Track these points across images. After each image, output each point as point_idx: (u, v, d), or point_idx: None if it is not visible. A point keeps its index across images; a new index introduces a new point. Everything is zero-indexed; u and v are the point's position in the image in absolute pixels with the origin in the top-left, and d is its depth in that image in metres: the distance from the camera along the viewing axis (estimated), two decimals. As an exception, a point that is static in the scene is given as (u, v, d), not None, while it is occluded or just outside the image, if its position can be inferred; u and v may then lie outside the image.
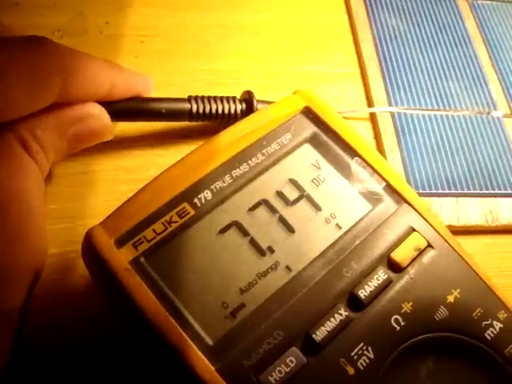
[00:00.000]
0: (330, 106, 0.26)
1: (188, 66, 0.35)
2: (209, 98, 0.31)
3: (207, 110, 0.30)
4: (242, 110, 0.31)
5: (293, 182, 0.25)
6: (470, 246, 0.30)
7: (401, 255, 0.23)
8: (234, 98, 0.31)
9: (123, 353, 0.25)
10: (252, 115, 0.26)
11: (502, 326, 0.23)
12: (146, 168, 0.31)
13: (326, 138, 0.26)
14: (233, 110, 0.31)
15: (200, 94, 0.31)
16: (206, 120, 0.31)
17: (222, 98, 0.31)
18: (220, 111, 0.31)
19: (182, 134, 0.32)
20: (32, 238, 0.23)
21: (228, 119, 0.31)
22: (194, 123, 0.32)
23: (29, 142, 0.24)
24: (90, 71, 0.25)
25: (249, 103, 0.31)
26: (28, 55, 0.23)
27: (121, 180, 0.30)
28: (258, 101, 0.31)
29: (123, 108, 0.28)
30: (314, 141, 0.26)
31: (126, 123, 0.32)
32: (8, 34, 0.25)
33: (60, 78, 0.24)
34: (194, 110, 0.30)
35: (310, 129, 0.26)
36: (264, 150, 0.25)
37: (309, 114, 0.26)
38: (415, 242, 0.23)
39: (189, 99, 0.30)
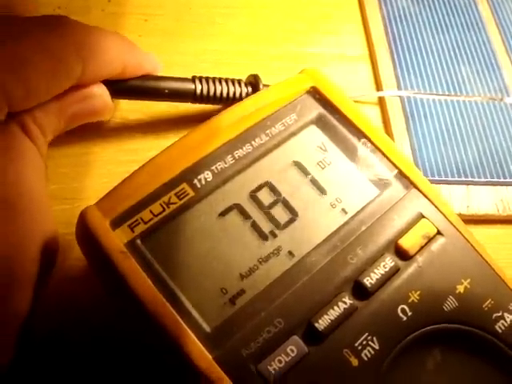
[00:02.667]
0: (338, 86, 0.25)
1: (193, 46, 0.34)
2: (214, 79, 0.30)
3: (212, 91, 0.29)
4: (247, 94, 0.30)
5: (297, 165, 0.24)
6: (479, 236, 0.29)
7: (409, 242, 0.22)
8: (239, 81, 0.30)
9: (119, 338, 0.24)
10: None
11: (513, 318, 0.22)
12: (147, 149, 0.30)
13: (333, 119, 0.25)
14: (238, 94, 0.30)
15: (205, 75, 0.30)
16: (209, 102, 0.30)
17: (227, 80, 0.30)
18: (225, 94, 0.30)
19: (184, 117, 0.31)
20: (39, 221, 0.22)
21: (232, 103, 0.30)
22: (196, 106, 0.31)
23: (29, 126, 0.23)
24: (107, 55, 0.25)
25: (254, 87, 0.30)
26: (49, 42, 0.23)
27: (121, 161, 0.30)
28: (264, 85, 0.30)
29: (125, 87, 0.27)
30: (320, 122, 0.24)
31: (127, 104, 0.31)
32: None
33: (79, 66, 0.24)
34: (199, 91, 0.29)
35: (317, 110, 0.25)
36: (268, 131, 0.24)
37: (315, 94, 0.25)
38: (424, 229, 0.22)
39: (193, 79, 0.29)
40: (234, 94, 0.30)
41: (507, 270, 0.28)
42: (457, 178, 0.30)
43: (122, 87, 0.27)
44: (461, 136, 0.32)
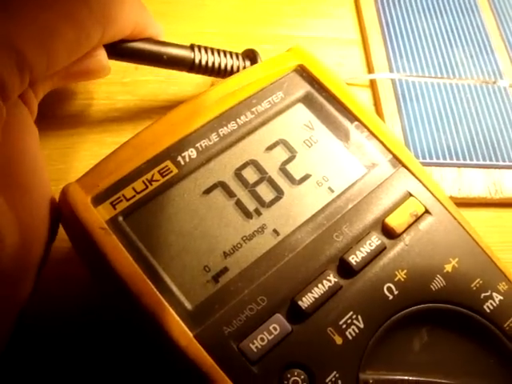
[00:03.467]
0: (325, 64, 0.25)
1: (183, 29, 0.34)
2: (213, 49, 0.29)
3: (210, 62, 0.28)
4: (245, 68, 0.30)
5: (283, 143, 0.23)
6: (471, 219, 0.29)
7: (396, 221, 0.22)
8: (237, 54, 0.30)
9: (105, 319, 0.24)
10: (242, 72, 0.25)
11: (502, 298, 0.21)
12: (133, 131, 0.29)
13: (320, 97, 0.24)
14: (236, 67, 0.29)
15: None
16: (206, 73, 0.29)
17: (225, 52, 0.29)
18: (223, 66, 0.29)
19: (173, 98, 0.31)
20: (43, 196, 0.21)
21: (229, 76, 0.29)
22: (185, 89, 0.30)
23: (25, 91, 0.22)
24: (124, 20, 0.24)
25: (253, 61, 0.30)
26: (74, 10, 0.22)
27: (106, 142, 0.29)
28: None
29: (124, 49, 0.26)
30: (307, 100, 0.24)
31: (115, 85, 0.30)
32: None
33: (99, 34, 0.23)
34: (197, 60, 0.28)
35: (304, 88, 0.24)
36: (254, 109, 0.23)
37: (303, 72, 0.25)
38: (412, 207, 0.22)
39: (192, 47, 0.28)
40: (232, 66, 0.29)
41: (499, 254, 0.28)
42: (448, 161, 0.30)
43: (121, 49, 0.26)
44: (453, 119, 0.31)
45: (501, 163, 0.30)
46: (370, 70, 0.33)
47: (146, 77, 0.31)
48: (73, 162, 0.28)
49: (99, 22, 0.23)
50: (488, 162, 0.30)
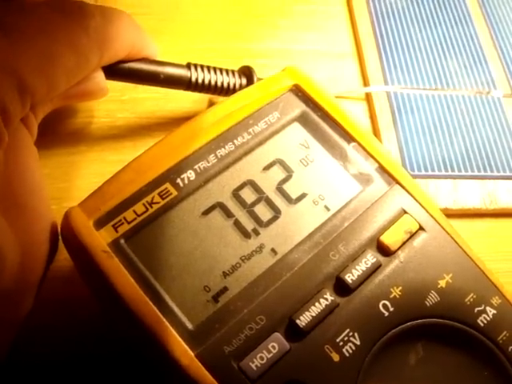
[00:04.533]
0: (320, 84, 0.25)
1: (180, 46, 0.34)
2: (209, 67, 0.29)
3: (206, 80, 0.29)
4: (241, 85, 0.30)
5: (280, 162, 0.24)
6: (467, 230, 0.29)
7: (391, 238, 0.22)
8: (233, 72, 0.30)
9: (107, 337, 0.25)
10: (238, 93, 0.25)
11: (495, 312, 0.22)
12: (134, 148, 0.30)
13: (316, 116, 0.25)
14: (232, 84, 0.30)
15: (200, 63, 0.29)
16: (202, 91, 0.29)
17: (221, 70, 0.30)
18: (219, 84, 0.29)
19: (172, 115, 0.31)
20: (43, 215, 0.22)
21: (226, 94, 0.30)
22: (183, 105, 0.31)
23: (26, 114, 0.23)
24: (121, 42, 0.25)
25: (249, 78, 0.30)
26: (74, 37, 0.22)
27: (107, 161, 0.30)
28: (258, 78, 0.30)
29: (121, 69, 0.27)
30: (303, 119, 0.25)
31: (114, 103, 0.31)
32: None
33: (98, 58, 0.24)
34: (194, 78, 0.29)
35: (299, 107, 0.25)
36: (250, 129, 0.24)
37: (298, 92, 0.25)
38: (406, 224, 0.23)
39: (188, 66, 0.29)
40: (229, 84, 0.30)
41: (494, 264, 0.28)
42: (444, 173, 0.30)
43: (118, 69, 0.27)
44: (447, 130, 0.32)
45: (495, 174, 0.31)
46: (366, 82, 0.34)
47: (145, 94, 0.31)
48: (74, 180, 0.29)
49: (97, 46, 0.23)
50: (483, 173, 0.31)
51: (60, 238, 0.22)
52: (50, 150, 0.30)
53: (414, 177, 0.30)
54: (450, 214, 0.30)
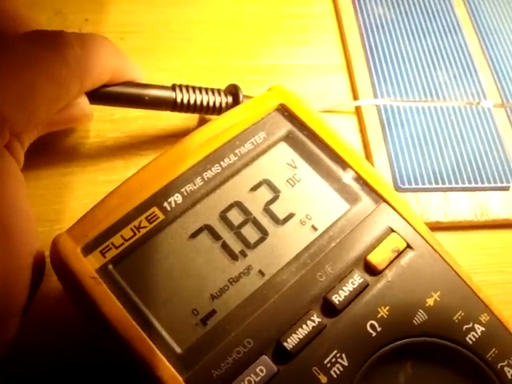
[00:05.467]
0: (306, 102, 0.25)
1: (171, 63, 0.34)
2: (194, 87, 0.30)
3: (192, 100, 0.29)
4: (227, 103, 0.30)
5: (267, 183, 0.24)
6: (458, 242, 0.30)
7: (378, 258, 0.22)
8: (219, 91, 0.30)
9: (95, 359, 0.25)
10: (224, 114, 0.25)
11: (483, 329, 0.22)
12: (125, 168, 0.30)
13: (302, 135, 0.25)
14: (218, 103, 0.30)
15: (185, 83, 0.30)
16: (189, 111, 0.30)
17: (207, 90, 0.30)
18: (205, 103, 0.30)
19: (161, 135, 0.32)
20: (28, 240, 0.22)
21: (212, 112, 0.30)
22: (173, 124, 0.31)
23: (10, 142, 0.23)
24: (102, 68, 0.25)
25: (235, 97, 0.30)
26: (53, 68, 0.23)
27: (99, 181, 0.30)
28: (245, 95, 0.30)
29: (105, 93, 0.27)
30: (289, 139, 0.25)
31: (105, 123, 0.31)
32: (25, 26, 0.25)
33: (78, 87, 0.24)
34: (179, 99, 0.29)
35: (286, 127, 0.25)
36: (237, 150, 0.24)
37: (284, 111, 0.25)
38: (394, 243, 0.23)
39: (173, 87, 0.29)
40: (214, 103, 0.30)
41: (485, 276, 0.29)
42: (434, 186, 0.30)
43: (102, 94, 0.27)
44: (438, 142, 0.32)
45: (486, 185, 0.31)
46: (355, 96, 0.34)
47: (135, 113, 0.31)
48: (67, 202, 0.29)
49: (77, 75, 0.24)
50: (473, 185, 0.31)
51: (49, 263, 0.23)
52: (44, 171, 0.30)
53: (405, 190, 0.30)
54: (442, 227, 0.30)
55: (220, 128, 0.24)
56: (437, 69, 0.35)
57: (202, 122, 0.32)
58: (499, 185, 0.31)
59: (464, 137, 0.32)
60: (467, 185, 0.31)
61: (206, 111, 0.30)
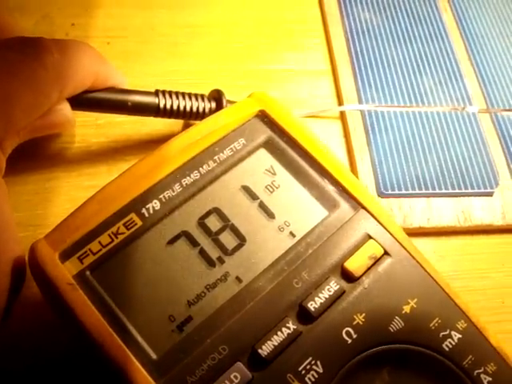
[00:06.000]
0: (286, 108, 0.25)
1: (156, 68, 0.35)
2: (177, 93, 0.30)
3: (175, 106, 0.29)
4: (210, 109, 0.30)
5: (246, 189, 0.24)
6: (441, 248, 0.30)
7: (355, 264, 0.22)
8: (202, 96, 0.31)
9: (73, 366, 0.25)
10: (204, 121, 0.25)
11: (460, 336, 0.22)
12: (109, 173, 0.30)
13: (281, 142, 0.25)
14: (201, 109, 0.30)
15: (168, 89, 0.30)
16: (172, 117, 0.30)
17: (190, 95, 0.30)
18: (188, 108, 0.30)
19: (146, 140, 0.32)
20: (6, 244, 0.22)
21: (196, 118, 0.30)
22: (158, 129, 0.31)
23: None
24: (82, 74, 0.25)
25: (218, 102, 0.30)
26: (32, 75, 0.23)
27: (83, 186, 0.30)
28: (228, 100, 0.31)
29: (87, 99, 0.27)
30: (269, 145, 0.25)
31: (89, 128, 0.31)
32: (9, 32, 0.25)
33: (57, 93, 0.24)
34: (162, 105, 0.29)
35: (265, 133, 0.25)
36: (216, 157, 0.24)
37: (264, 117, 0.25)
38: (371, 249, 0.23)
39: (156, 93, 0.29)
40: (198, 108, 0.30)
41: (468, 281, 0.29)
42: (417, 191, 0.30)
43: (84, 100, 0.27)
44: (422, 147, 0.32)
45: (469, 191, 0.31)
46: (340, 101, 0.34)
47: (120, 118, 0.32)
48: (51, 207, 0.29)
49: (56, 82, 0.24)
50: (457, 190, 0.31)
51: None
52: (28, 176, 0.30)
53: (388, 196, 0.30)
54: (425, 233, 0.30)
55: (199, 134, 0.24)
56: (422, 74, 0.35)
57: (186, 128, 0.32)
58: (483, 190, 0.31)
59: (448, 142, 0.32)
60: (451, 190, 0.31)
61: (189, 117, 0.30)
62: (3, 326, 0.22)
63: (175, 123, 0.32)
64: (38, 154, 0.31)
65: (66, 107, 0.26)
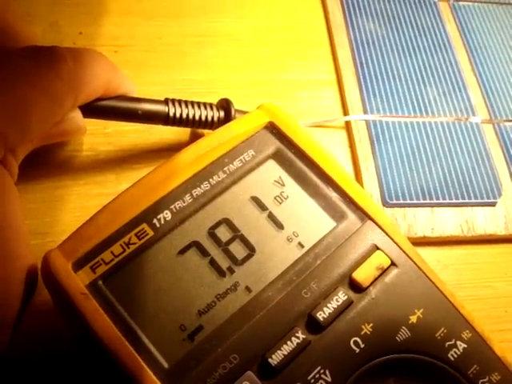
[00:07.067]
0: (295, 120, 0.26)
1: (163, 77, 0.35)
2: (186, 102, 0.30)
3: (184, 114, 0.30)
4: (219, 118, 0.31)
5: (255, 200, 0.24)
6: (445, 257, 0.30)
7: (362, 275, 0.23)
8: (211, 105, 0.31)
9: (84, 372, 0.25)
10: (214, 132, 0.26)
11: (465, 346, 0.22)
12: (118, 182, 0.31)
13: (290, 153, 0.25)
14: (210, 117, 0.30)
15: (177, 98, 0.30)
16: (181, 125, 0.30)
17: (199, 104, 0.30)
18: (197, 117, 0.30)
19: (153, 149, 0.32)
20: (20, 252, 0.22)
21: (204, 126, 0.31)
22: (166, 138, 0.31)
23: (5, 156, 0.23)
24: (96, 82, 0.26)
25: (227, 111, 0.31)
26: (47, 84, 0.23)
27: (91, 195, 0.30)
28: (237, 110, 0.31)
29: (98, 107, 0.28)
30: (277, 157, 0.25)
31: (97, 137, 0.31)
32: (24, 41, 0.25)
33: (72, 101, 0.25)
34: (171, 113, 0.29)
35: (274, 144, 0.25)
36: (226, 168, 0.25)
37: (272, 129, 0.26)
38: (378, 260, 0.23)
39: (166, 101, 0.30)
40: (206, 117, 0.30)
41: (473, 291, 0.29)
42: (422, 201, 0.31)
43: (95, 108, 0.27)
44: (426, 158, 0.32)
45: (473, 201, 0.31)
46: (345, 111, 0.34)
47: (128, 127, 0.32)
48: (60, 215, 0.29)
49: (71, 90, 0.24)
50: (460, 201, 0.31)
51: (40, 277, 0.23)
52: (37, 184, 0.30)
53: (393, 205, 0.30)
54: (429, 242, 0.30)
55: (209, 146, 0.25)
56: (426, 85, 0.35)
57: (193, 137, 0.32)
58: (486, 200, 0.31)
59: (452, 152, 0.33)
60: (454, 200, 0.31)
61: (198, 125, 0.31)
62: (14, 333, 0.23)
63: (183, 133, 0.33)
64: (46, 163, 0.31)
65: (78, 115, 0.26)
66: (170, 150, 0.31)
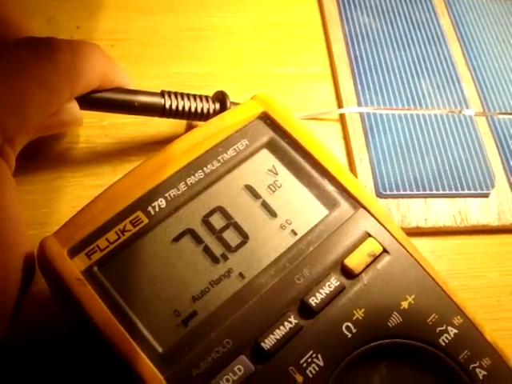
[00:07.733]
0: (288, 110, 0.26)
1: (159, 70, 0.35)
2: (182, 94, 0.30)
3: (180, 106, 0.30)
4: (214, 110, 0.31)
5: (249, 189, 0.24)
6: (438, 247, 0.30)
7: (355, 261, 0.23)
8: (207, 97, 0.31)
9: (81, 359, 0.25)
10: (208, 122, 0.26)
11: (456, 331, 0.22)
12: (114, 173, 0.31)
13: (284, 143, 0.25)
14: (206, 110, 0.31)
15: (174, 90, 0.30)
16: (177, 117, 0.31)
17: (195, 96, 0.31)
18: (193, 109, 0.30)
19: (151, 140, 0.32)
20: (17, 242, 0.23)
21: (200, 118, 0.31)
22: (162, 131, 0.32)
23: (2, 146, 0.23)
24: (92, 74, 0.26)
25: (222, 103, 0.31)
26: (44, 75, 0.24)
27: (88, 186, 0.30)
28: (232, 102, 0.31)
29: (95, 99, 0.28)
30: (271, 146, 0.25)
31: (94, 129, 0.32)
32: (22, 32, 0.26)
33: (69, 92, 0.25)
34: (168, 105, 0.30)
35: (268, 134, 0.26)
36: (220, 157, 0.25)
37: (266, 119, 0.26)
38: (370, 247, 0.23)
39: (162, 94, 0.30)
40: (202, 109, 0.31)
41: (465, 280, 0.29)
42: (415, 192, 0.31)
43: (92, 99, 0.28)
44: (419, 149, 0.33)
45: (466, 192, 0.31)
46: (340, 103, 0.35)
47: (124, 119, 0.32)
48: (57, 206, 0.30)
49: (68, 81, 0.24)
50: (454, 192, 0.31)
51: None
52: (34, 175, 0.30)
53: (386, 196, 0.31)
54: (422, 233, 0.31)
55: (203, 135, 0.25)
56: (420, 78, 0.36)
57: (189, 129, 0.33)
58: (479, 191, 0.32)
59: (445, 144, 0.33)
60: (448, 191, 0.31)
61: (193, 117, 0.31)
62: (12, 320, 0.23)
63: (179, 124, 0.33)
64: (43, 154, 0.31)
65: (74, 106, 0.27)
66: (166, 142, 0.31)
